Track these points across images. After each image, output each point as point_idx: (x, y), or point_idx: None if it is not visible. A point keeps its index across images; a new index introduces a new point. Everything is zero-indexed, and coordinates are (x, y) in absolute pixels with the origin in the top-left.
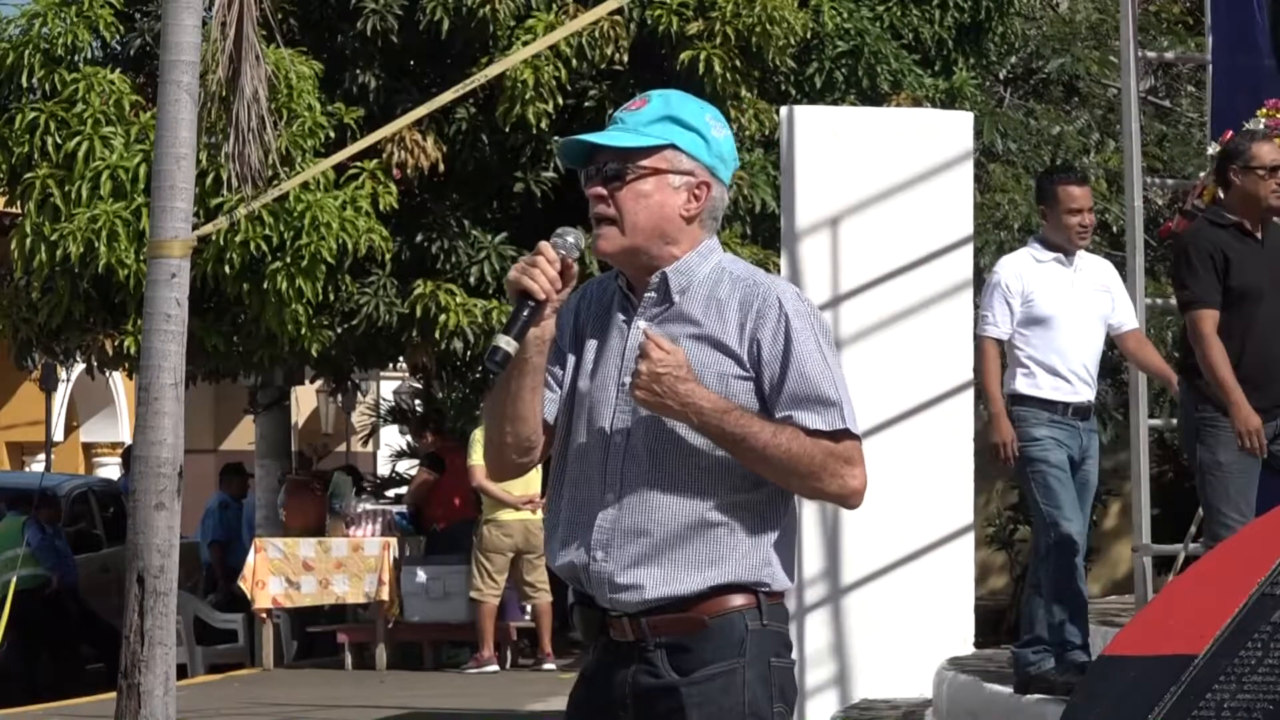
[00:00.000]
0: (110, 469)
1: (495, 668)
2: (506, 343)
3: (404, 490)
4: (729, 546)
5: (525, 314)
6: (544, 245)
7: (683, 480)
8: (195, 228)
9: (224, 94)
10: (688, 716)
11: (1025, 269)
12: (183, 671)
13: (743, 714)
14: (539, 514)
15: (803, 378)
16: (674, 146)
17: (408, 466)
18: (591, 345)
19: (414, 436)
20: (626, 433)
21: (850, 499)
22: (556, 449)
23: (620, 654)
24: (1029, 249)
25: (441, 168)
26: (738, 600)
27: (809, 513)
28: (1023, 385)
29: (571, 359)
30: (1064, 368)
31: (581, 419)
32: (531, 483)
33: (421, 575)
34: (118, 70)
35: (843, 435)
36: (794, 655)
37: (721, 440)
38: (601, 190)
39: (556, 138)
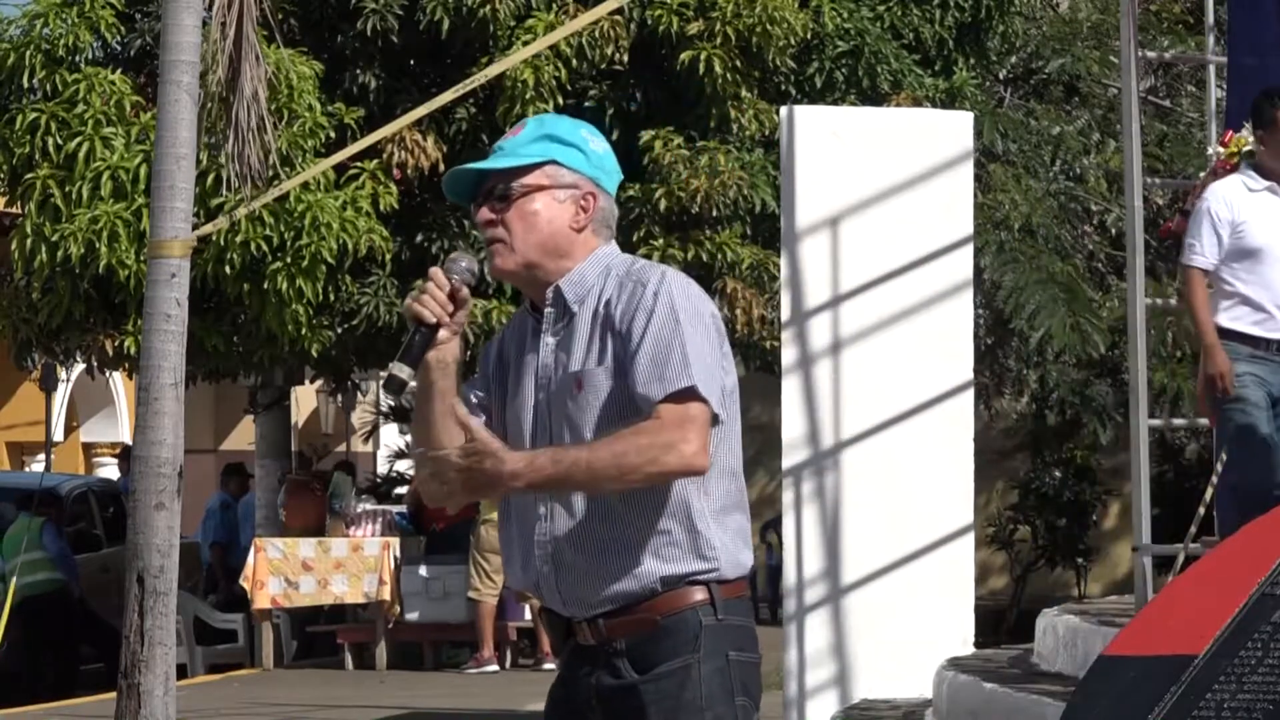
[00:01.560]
0: (110, 469)
1: (495, 667)
2: (399, 369)
3: (405, 490)
4: (665, 540)
5: (418, 339)
6: (434, 271)
7: None
8: (195, 228)
9: (224, 94)
10: (648, 713)
11: (1236, 197)
12: (183, 671)
13: (700, 708)
14: None
15: (653, 349)
16: (554, 162)
17: (407, 466)
18: (514, 370)
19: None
20: (548, 445)
21: (693, 463)
22: None
23: (586, 656)
24: (1241, 175)
25: (442, 168)
26: (693, 597)
27: (809, 513)
28: (1224, 319)
29: (497, 387)
30: (1270, 303)
31: (511, 438)
32: None
33: (421, 575)
34: (118, 71)
35: (681, 397)
36: (759, 650)
37: (550, 485)
38: (490, 214)
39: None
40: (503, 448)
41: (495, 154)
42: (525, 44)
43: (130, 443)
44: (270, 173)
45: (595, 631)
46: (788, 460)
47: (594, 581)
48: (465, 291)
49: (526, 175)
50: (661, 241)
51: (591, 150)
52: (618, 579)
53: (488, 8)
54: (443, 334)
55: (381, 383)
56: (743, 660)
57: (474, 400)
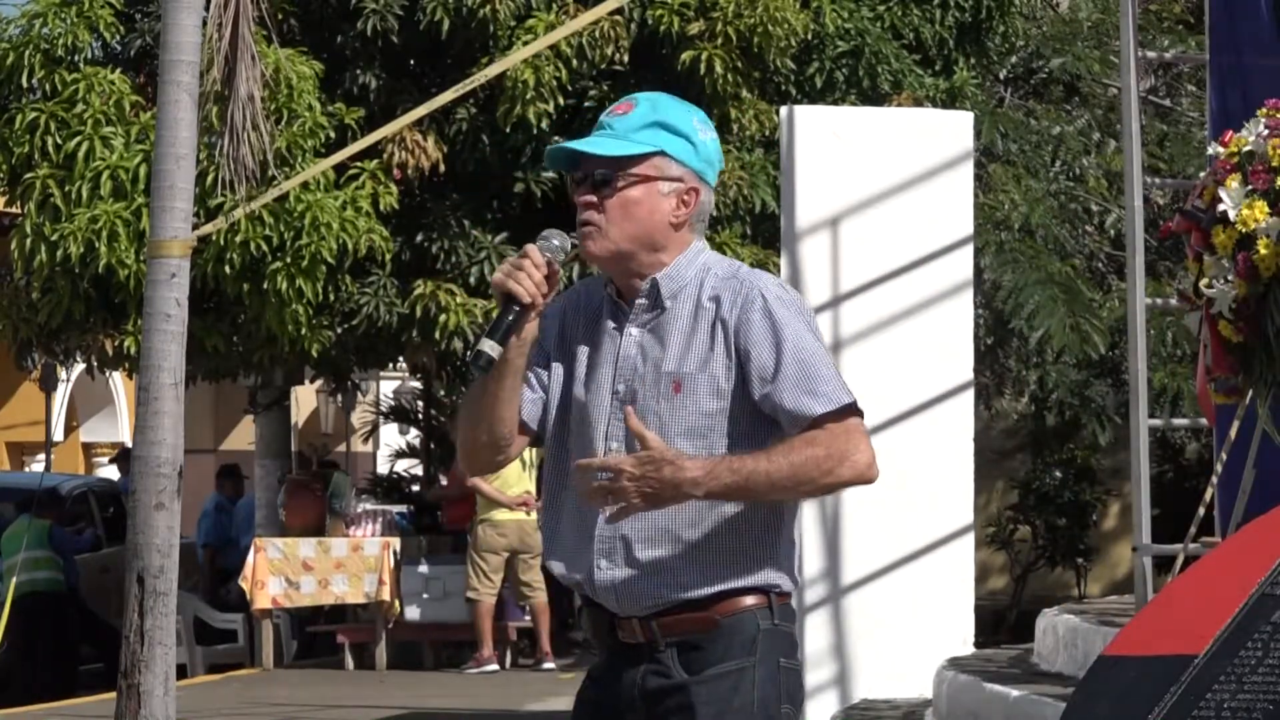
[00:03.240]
0: (110, 469)
1: (495, 667)
2: (490, 347)
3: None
4: (734, 551)
5: (510, 318)
6: (530, 248)
7: None
8: (195, 228)
9: (224, 93)
10: (696, 715)
11: None
12: (183, 671)
13: (751, 713)
14: (533, 515)
15: (797, 364)
16: (663, 153)
17: (407, 466)
18: (582, 353)
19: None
20: (622, 440)
21: (865, 474)
22: (551, 457)
23: (629, 655)
24: None
25: (442, 168)
26: (750, 599)
27: (809, 513)
28: None
29: (558, 366)
30: None
31: (576, 428)
32: (526, 483)
33: (421, 575)
34: (118, 70)
35: (843, 413)
36: (801, 657)
37: (728, 494)
38: (591, 197)
39: (557, 138)
40: (680, 454)
41: (602, 131)
42: (525, 44)
43: (128, 444)
44: (268, 173)
45: (646, 629)
46: None
47: (662, 581)
48: (559, 270)
49: (634, 165)
50: None
51: (700, 141)
52: (687, 582)
53: (488, 8)
54: (531, 314)
55: (469, 358)
56: (791, 668)
57: (532, 377)
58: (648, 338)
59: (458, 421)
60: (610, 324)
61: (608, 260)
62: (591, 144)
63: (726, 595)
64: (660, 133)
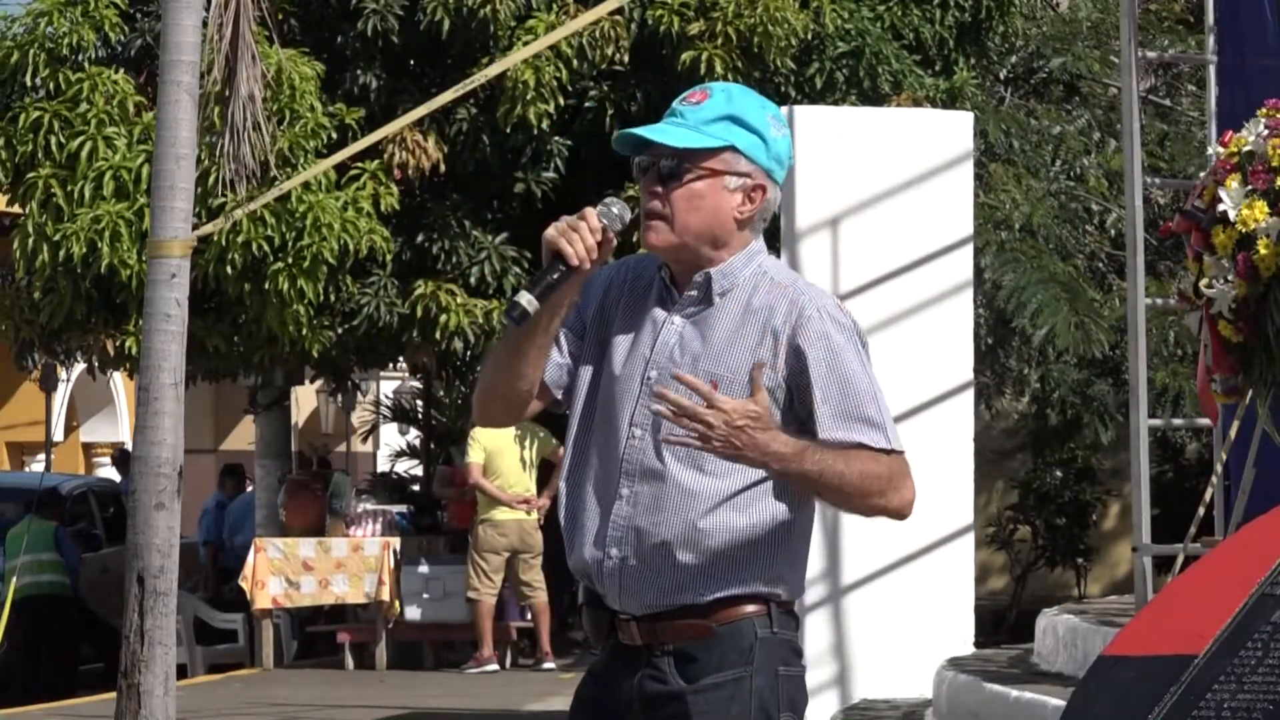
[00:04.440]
0: (110, 469)
1: (495, 667)
2: (528, 301)
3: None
4: (743, 557)
5: (555, 276)
6: (589, 212)
7: (699, 484)
8: (195, 228)
9: (224, 93)
10: None
11: None
12: (183, 671)
13: None
14: (534, 515)
15: (850, 395)
16: (733, 148)
17: (408, 466)
18: (622, 331)
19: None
20: (647, 428)
21: (905, 509)
22: (576, 436)
23: (628, 657)
24: None
25: (442, 168)
26: (749, 607)
27: None
28: None
29: (595, 338)
30: None
31: (604, 409)
32: (526, 482)
33: (421, 575)
34: (121, 70)
35: (896, 451)
36: (804, 662)
37: (800, 480)
38: (657, 187)
39: (557, 138)
40: (778, 425)
41: (673, 119)
42: (525, 44)
43: (126, 445)
44: (269, 173)
45: (645, 632)
46: None
47: (662, 580)
48: (613, 239)
49: (703, 159)
50: None
51: (772, 138)
52: (686, 588)
53: (488, 8)
54: (576, 277)
55: (506, 308)
56: (791, 674)
57: (563, 339)
58: (690, 330)
59: (482, 366)
60: (657, 308)
61: (668, 252)
62: (662, 133)
63: (725, 603)
64: (733, 127)
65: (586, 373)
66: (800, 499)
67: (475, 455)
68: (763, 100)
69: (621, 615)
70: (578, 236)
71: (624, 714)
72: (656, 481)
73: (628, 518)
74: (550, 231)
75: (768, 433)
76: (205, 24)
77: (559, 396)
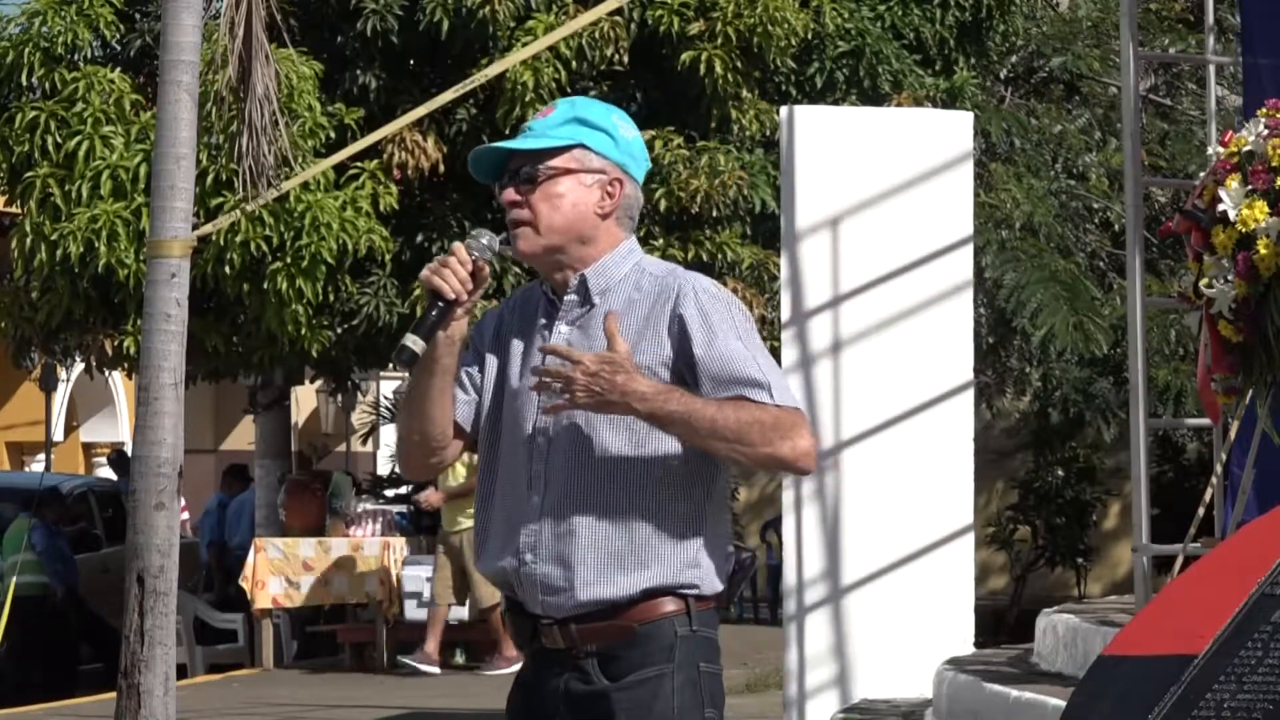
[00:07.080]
0: (108, 469)
1: (436, 670)
2: (413, 342)
3: (404, 490)
4: (656, 548)
5: (434, 314)
6: (457, 246)
7: (606, 482)
8: (195, 228)
9: (239, 92)
10: None
11: None
12: (183, 671)
13: (671, 718)
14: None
15: (729, 360)
16: (583, 146)
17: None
18: (515, 350)
19: None
20: (549, 435)
21: (803, 459)
22: (483, 453)
23: (553, 661)
24: None
25: (442, 168)
26: (667, 606)
27: (809, 513)
28: None
29: (493, 364)
30: None
31: (506, 423)
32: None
33: (421, 575)
34: (118, 70)
35: (781, 407)
36: (722, 662)
37: (669, 425)
38: (515, 195)
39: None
40: (638, 369)
41: (524, 134)
42: (525, 45)
43: (126, 445)
44: (283, 171)
45: (566, 635)
46: None
47: (576, 582)
48: (486, 270)
49: (554, 158)
50: (661, 241)
51: (621, 136)
52: (603, 584)
53: (488, 8)
54: (458, 311)
55: (395, 353)
56: (712, 672)
57: (465, 379)
58: (576, 334)
59: (396, 424)
60: (541, 321)
61: (539, 256)
62: (512, 142)
63: (645, 599)
64: (579, 128)
65: (489, 399)
66: (709, 489)
67: (451, 480)
68: (607, 105)
69: (543, 620)
70: (449, 271)
71: (552, 717)
72: (563, 486)
73: (539, 523)
74: (424, 272)
75: (626, 374)
76: (205, 24)
77: (472, 432)
